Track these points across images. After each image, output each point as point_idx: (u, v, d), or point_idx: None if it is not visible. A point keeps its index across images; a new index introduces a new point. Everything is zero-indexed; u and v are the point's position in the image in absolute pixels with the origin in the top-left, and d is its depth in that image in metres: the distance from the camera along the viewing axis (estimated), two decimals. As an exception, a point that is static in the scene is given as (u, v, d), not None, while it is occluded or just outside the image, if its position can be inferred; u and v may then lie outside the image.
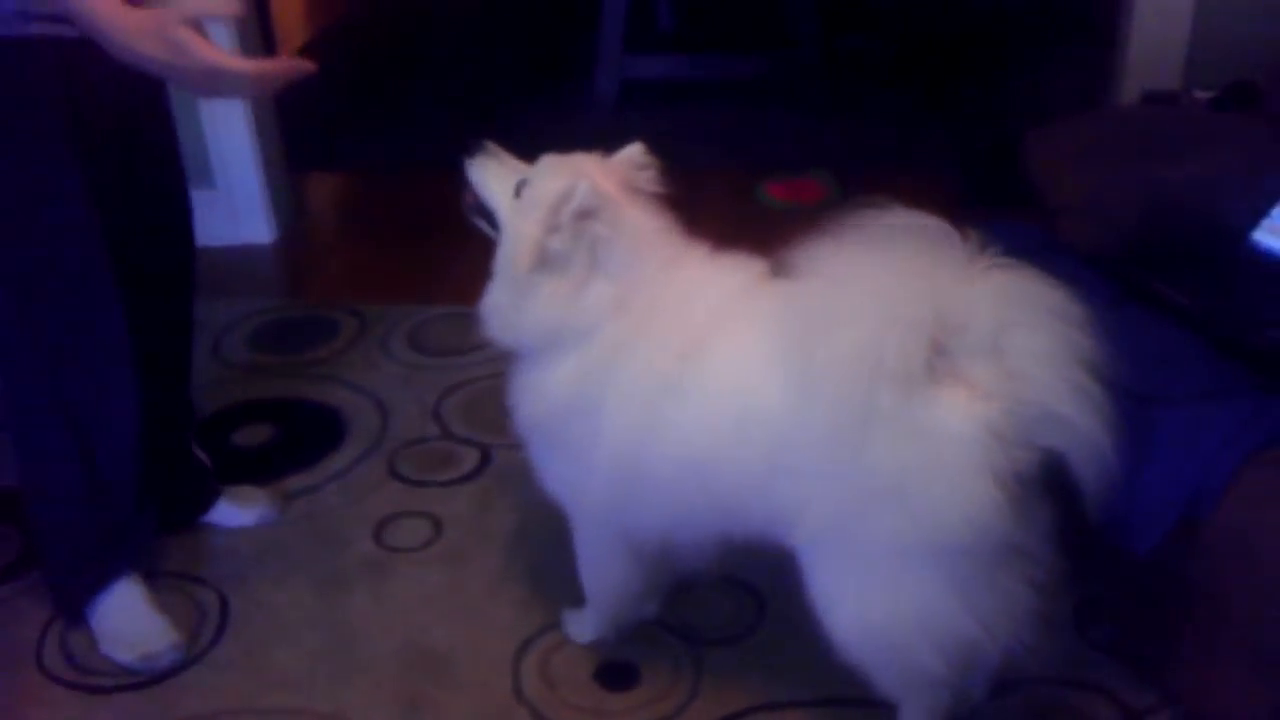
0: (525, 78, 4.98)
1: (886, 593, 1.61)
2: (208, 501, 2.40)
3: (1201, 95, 2.93)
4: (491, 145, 1.86)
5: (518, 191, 1.79)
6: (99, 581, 2.12)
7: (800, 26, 4.40)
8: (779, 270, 1.68)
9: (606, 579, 1.98)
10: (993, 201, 3.30)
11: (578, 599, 2.10)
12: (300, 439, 2.70)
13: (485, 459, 2.60)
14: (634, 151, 1.83)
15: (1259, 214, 2.17)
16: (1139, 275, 2.11)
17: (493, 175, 1.84)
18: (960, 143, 3.97)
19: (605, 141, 1.87)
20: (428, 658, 2.09)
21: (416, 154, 4.32)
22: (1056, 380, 1.49)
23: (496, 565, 2.29)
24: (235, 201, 3.55)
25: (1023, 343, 1.51)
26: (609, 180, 1.75)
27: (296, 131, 3.87)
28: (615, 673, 2.04)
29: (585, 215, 1.67)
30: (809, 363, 1.57)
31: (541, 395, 1.78)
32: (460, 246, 3.48)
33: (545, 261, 1.70)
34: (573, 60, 4.82)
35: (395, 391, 2.86)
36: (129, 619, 2.13)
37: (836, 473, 1.57)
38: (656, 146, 1.85)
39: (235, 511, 2.41)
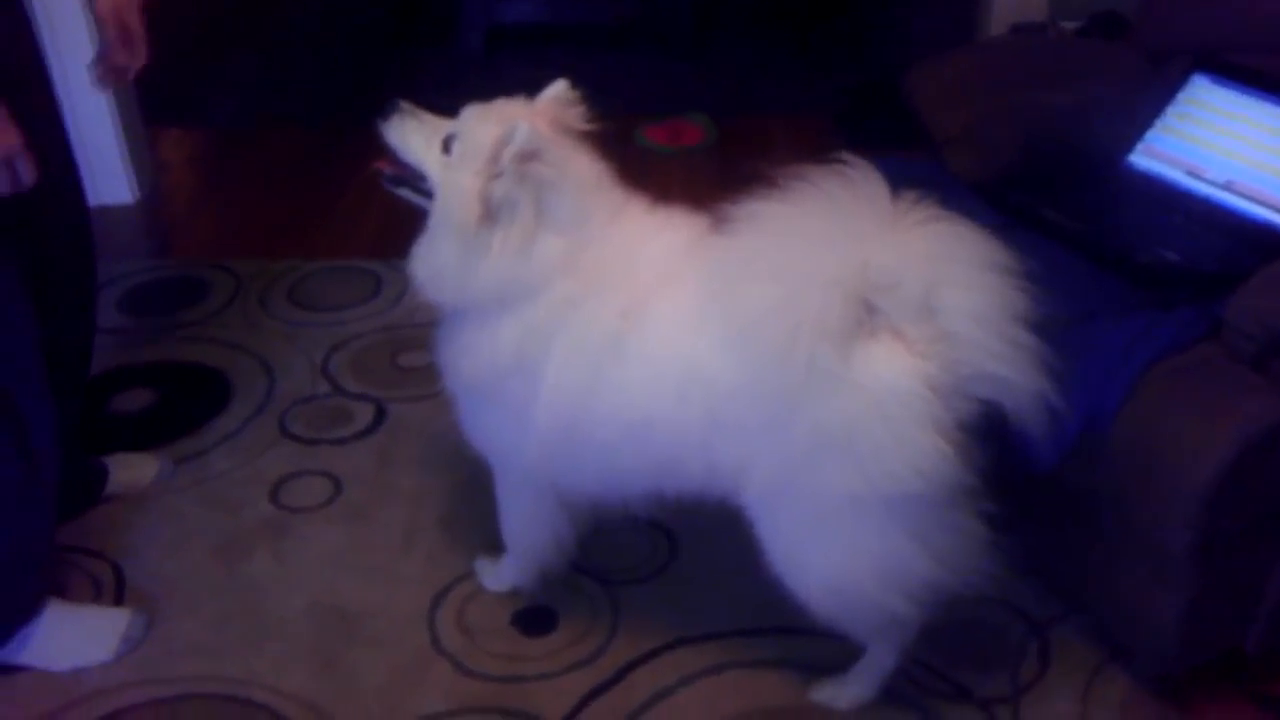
0: (388, 25, 4.84)
1: (847, 547, 1.63)
2: (98, 489, 2.27)
3: (1068, 25, 3.02)
4: (406, 104, 1.74)
5: (445, 147, 1.69)
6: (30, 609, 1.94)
7: (666, -32, 4.37)
8: (720, 225, 1.63)
9: (532, 530, 1.95)
10: (864, 138, 3.36)
11: (489, 547, 2.08)
12: (183, 402, 2.60)
13: (381, 414, 2.54)
14: (559, 89, 1.76)
15: (1133, 138, 2.25)
16: (1024, 200, 2.16)
17: (414, 134, 1.73)
18: (831, 83, 4.01)
19: (478, 89, 1.80)
20: (339, 617, 2.04)
21: (278, 107, 4.17)
22: (991, 342, 1.51)
23: (402, 519, 2.25)
24: (91, 161, 3.36)
25: (956, 303, 1.52)
26: (542, 122, 1.68)
27: (153, 87, 3.69)
28: (533, 618, 2.03)
29: (528, 157, 1.61)
30: (729, 319, 1.57)
31: (484, 354, 1.71)
32: (333, 200, 3.44)
33: (491, 212, 1.63)
34: (437, 6, 4.70)
35: (280, 349, 2.76)
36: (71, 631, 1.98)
37: (778, 428, 1.57)
38: (530, 94, 1.78)
39: (125, 480, 2.30)
